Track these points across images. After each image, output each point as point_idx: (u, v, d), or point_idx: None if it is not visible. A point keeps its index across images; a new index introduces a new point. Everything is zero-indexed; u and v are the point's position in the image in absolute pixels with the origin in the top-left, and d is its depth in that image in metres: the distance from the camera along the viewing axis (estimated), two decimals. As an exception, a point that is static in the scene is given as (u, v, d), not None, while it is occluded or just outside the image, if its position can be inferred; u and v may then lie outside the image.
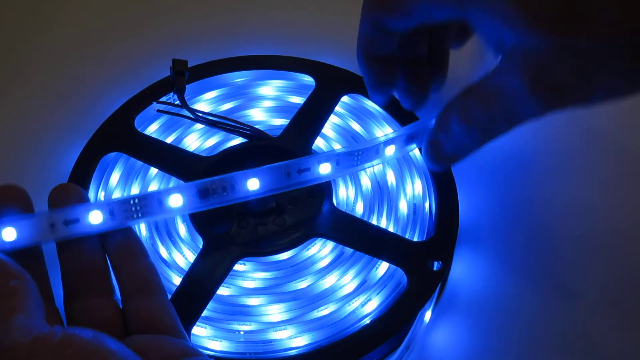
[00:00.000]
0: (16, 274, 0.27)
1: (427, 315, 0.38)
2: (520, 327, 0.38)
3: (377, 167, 0.43)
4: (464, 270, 0.41)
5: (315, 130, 0.44)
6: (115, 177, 0.43)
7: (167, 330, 0.30)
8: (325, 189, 0.42)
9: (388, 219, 0.41)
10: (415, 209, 0.41)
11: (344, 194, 0.42)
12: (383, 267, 0.38)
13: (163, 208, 0.33)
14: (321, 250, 0.40)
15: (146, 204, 0.33)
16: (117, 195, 0.42)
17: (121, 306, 0.32)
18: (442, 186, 0.41)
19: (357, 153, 0.37)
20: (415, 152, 0.44)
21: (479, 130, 0.33)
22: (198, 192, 0.34)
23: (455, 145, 0.35)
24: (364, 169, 0.40)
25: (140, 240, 0.33)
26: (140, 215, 0.33)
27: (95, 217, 0.32)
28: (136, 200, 0.33)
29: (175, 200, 0.34)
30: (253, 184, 0.35)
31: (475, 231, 0.42)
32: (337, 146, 0.44)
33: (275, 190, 0.36)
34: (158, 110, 0.46)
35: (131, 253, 0.33)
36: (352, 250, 0.39)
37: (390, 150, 0.39)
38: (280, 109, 0.47)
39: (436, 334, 0.38)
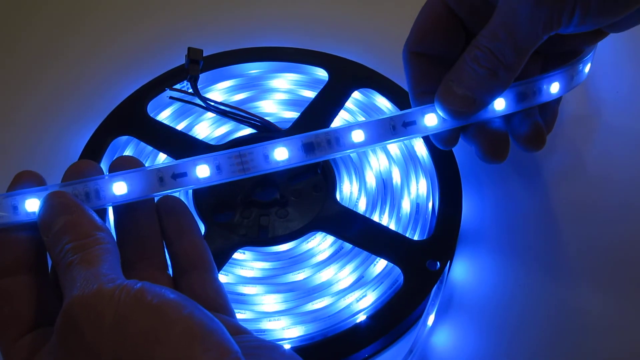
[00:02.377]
0: (102, 227, 0.29)
1: (430, 319, 0.38)
2: (524, 330, 0.38)
3: (383, 164, 0.43)
4: (468, 272, 0.40)
5: (325, 125, 0.44)
6: (124, 160, 0.43)
7: (218, 308, 0.31)
8: (330, 183, 0.42)
9: (390, 217, 0.41)
10: (418, 208, 0.41)
11: (348, 190, 0.42)
12: (381, 264, 0.38)
13: (269, 162, 0.34)
14: (321, 243, 0.40)
15: (252, 159, 0.33)
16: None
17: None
18: (447, 186, 0.41)
19: None
20: (422, 152, 0.44)
21: (487, 55, 0.33)
22: (303, 145, 0.34)
23: (467, 80, 0.34)
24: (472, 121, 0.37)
25: (194, 217, 0.34)
26: (246, 169, 0.33)
27: (203, 171, 0.33)
28: (242, 154, 0.33)
29: (281, 154, 0.34)
30: (357, 136, 0.35)
31: (479, 233, 0.42)
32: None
33: (380, 143, 0.35)
34: (171, 97, 0.46)
35: (186, 229, 0.33)
36: (351, 245, 0.39)
37: (500, 105, 0.36)
38: (291, 102, 0.47)
39: (439, 338, 0.38)
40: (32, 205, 0.30)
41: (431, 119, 0.36)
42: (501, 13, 0.32)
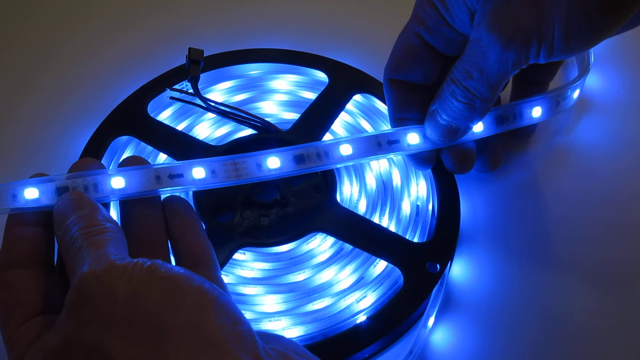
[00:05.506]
0: (109, 218, 0.30)
1: (431, 321, 0.38)
2: (523, 331, 0.38)
3: (383, 166, 0.43)
4: (466, 273, 0.41)
5: (325, 126, 0.44)
6: (125, 160, 0.43)
7: None
8: (330, 185, 0.42)
9: (390, 219, 0.41)
10: (418, 210, 0.41)
11: (348, 191, 0.42)
12: (381, 265, 0.39)
13: (261, 171, 0.36)
14: (321, 244, 0.40)
15: (246, 167, 0.35)
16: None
17: None
18: (445, 188, 0.41)
19: None
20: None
21: (463, 92, 0.35)
22: (294, 157, 0.37)
23: (448, 112, 0.37)
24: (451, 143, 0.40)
25: (198, 217, 0.35)
26: (239, 176, 0.35)
27: (198, 173, 0.34)
28: (236, 161, 0.35)
29: (273, 164, 0.36)
30: (346, 150, 0.38)
31: (477, 234, 0.42)
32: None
33: (366, 159, 0.39)
34: (171, 98, 0.46)
35: (190, 228, 0.34)
36: (351, 246, 0.39)
37: (478, 127, 0.40)
38: (292, 103, 0.47)
39: (440, 340, 0.38)
40: (32, 193, 0.32)
41: (413, 139, 0.39)
42: (473, 52, 0.34)
